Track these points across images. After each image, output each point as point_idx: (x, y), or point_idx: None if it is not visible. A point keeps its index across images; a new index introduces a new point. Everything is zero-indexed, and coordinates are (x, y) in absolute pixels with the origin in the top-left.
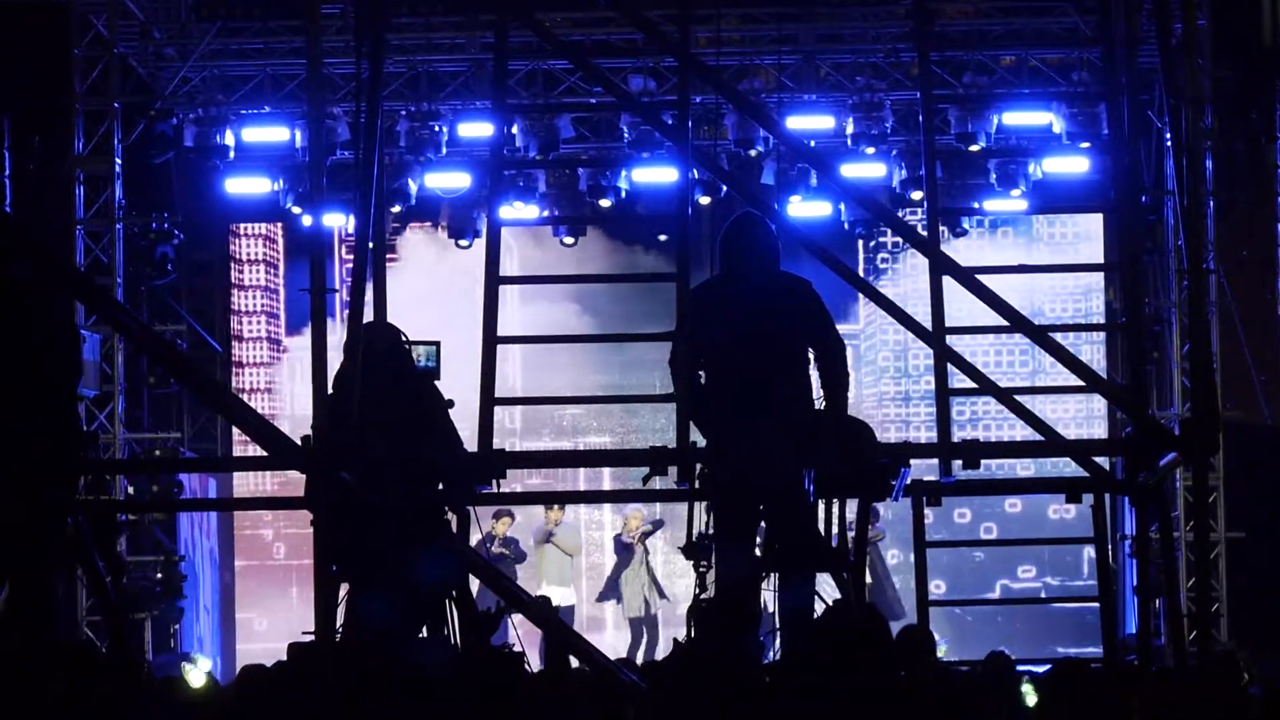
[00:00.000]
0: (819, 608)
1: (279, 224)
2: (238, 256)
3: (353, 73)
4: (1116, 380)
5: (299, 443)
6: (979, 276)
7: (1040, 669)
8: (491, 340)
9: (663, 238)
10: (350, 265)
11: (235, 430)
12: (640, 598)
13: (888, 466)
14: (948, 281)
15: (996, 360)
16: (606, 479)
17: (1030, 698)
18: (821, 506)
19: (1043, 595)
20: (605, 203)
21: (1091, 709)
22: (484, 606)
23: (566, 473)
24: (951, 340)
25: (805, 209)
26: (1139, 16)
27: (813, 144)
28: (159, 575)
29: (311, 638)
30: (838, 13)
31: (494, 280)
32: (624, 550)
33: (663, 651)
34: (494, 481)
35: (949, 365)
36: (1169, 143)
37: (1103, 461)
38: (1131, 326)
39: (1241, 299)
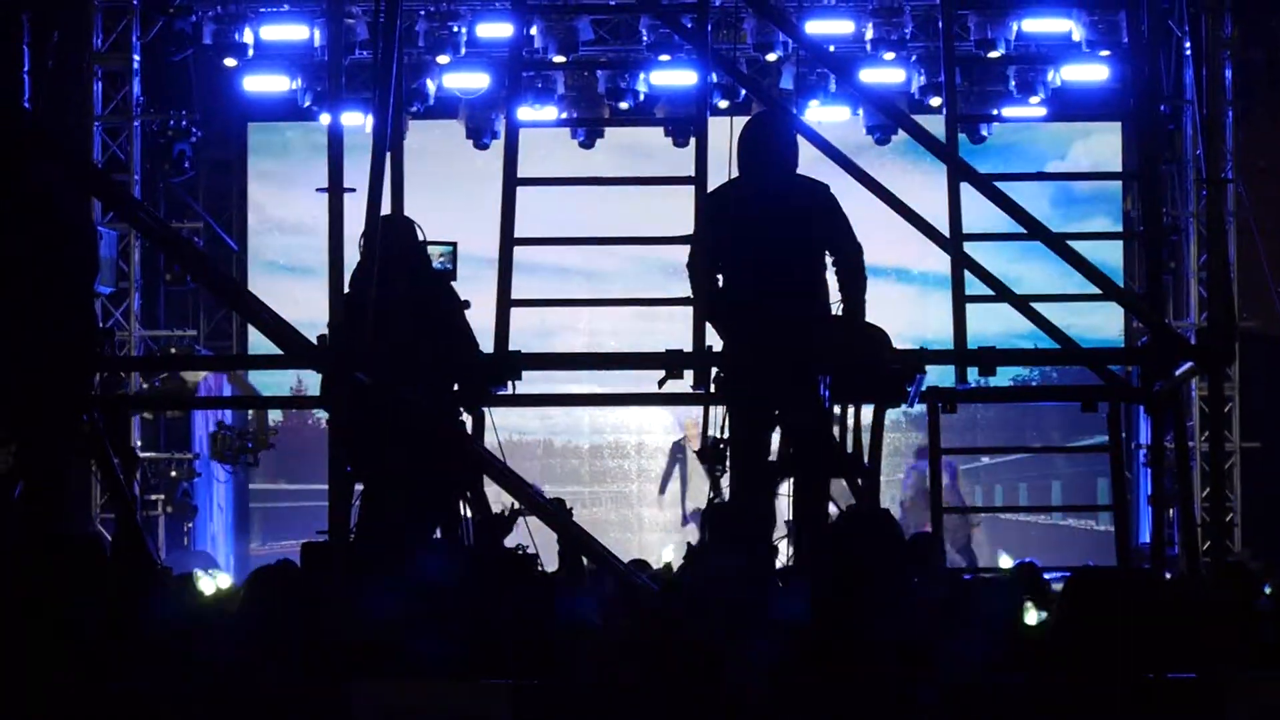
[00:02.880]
0: (833, 513)
1: None
2: None
3: None
4: (1134, 289)
5: (314, 341)
6: (996, 184)
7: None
8: (509, 241)
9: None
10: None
11: (251, 329)
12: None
13: (903, 371)
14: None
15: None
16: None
17: (1031, 614)
18: (837, 411)
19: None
20: (624, 105)
21: (1106, 617)
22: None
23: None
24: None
25: (823, 114)
26: None
27: (832, 49)
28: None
29: (324, 538)
30: None
31: (512, 181)
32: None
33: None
34: (509, 383)
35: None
36: (1189, 51)
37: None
38: (1149, 235)
39: (1259, 209)
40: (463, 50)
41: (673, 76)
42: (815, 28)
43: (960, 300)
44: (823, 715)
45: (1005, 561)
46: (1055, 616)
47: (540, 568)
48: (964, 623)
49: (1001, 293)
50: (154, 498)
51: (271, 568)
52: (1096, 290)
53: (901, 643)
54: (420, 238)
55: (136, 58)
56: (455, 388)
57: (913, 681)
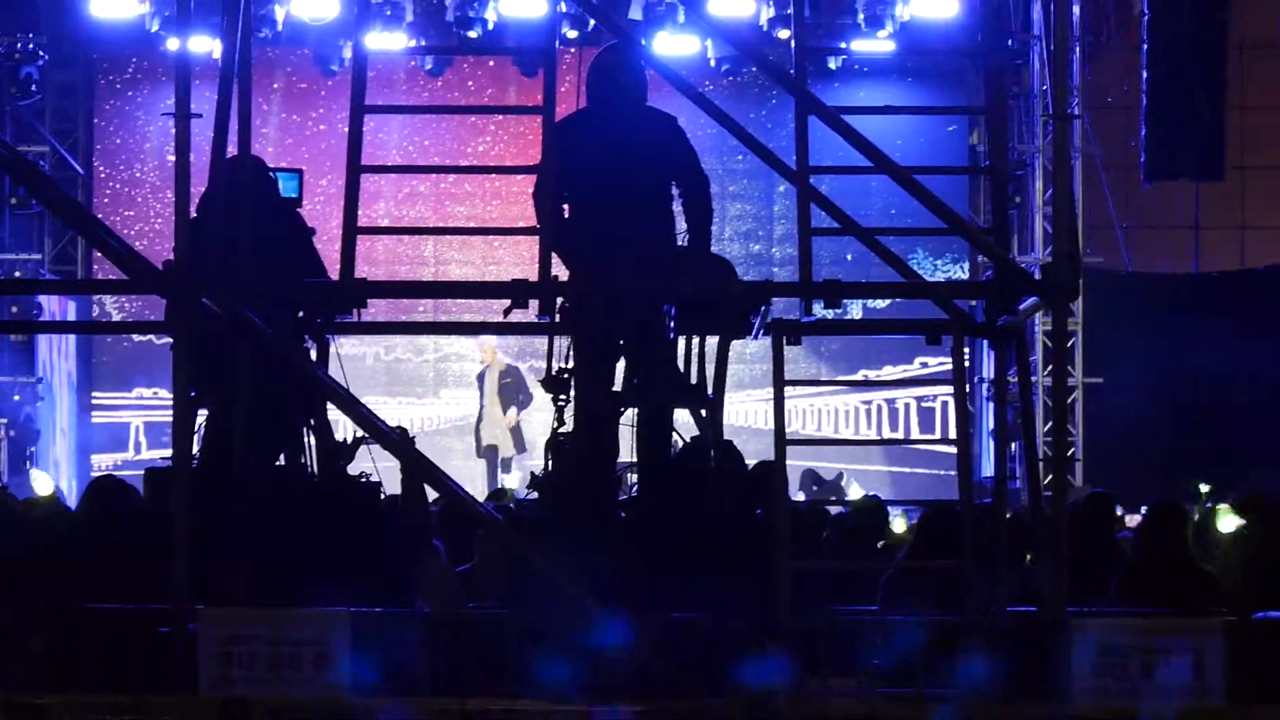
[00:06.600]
0: (676, 444)
1: None
2: None
3: None
4: (979, 224)
5: (159, 267)
6: (844, 117)
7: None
8: (356, 169)
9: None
10: None
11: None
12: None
13: (747, 303)
14: None
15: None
16: None
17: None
18: (681, 342)
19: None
20: (473, 34)
21: (958, 550)
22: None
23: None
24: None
25: (672, 45)
26: None
27: None
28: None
29: (168, 463)
30: None
31: (359, 109)
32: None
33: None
34: (354, 310)
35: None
36: None
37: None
38: (996, 170)
39: (1105, 145)
40: None
41: (521, 6)
42: None
43: (806, 233)
44: (669, 643)
45: (855, 492)
46: (907, 552)
47: (383, 496)
48: (810, 552)
49: (847, 226)
50: None
51: (109, 478)
52: (943, 224)
53: (745, 572)
54: (268, 169)
55: None
56: (300, 315)
57: (761, 610)
